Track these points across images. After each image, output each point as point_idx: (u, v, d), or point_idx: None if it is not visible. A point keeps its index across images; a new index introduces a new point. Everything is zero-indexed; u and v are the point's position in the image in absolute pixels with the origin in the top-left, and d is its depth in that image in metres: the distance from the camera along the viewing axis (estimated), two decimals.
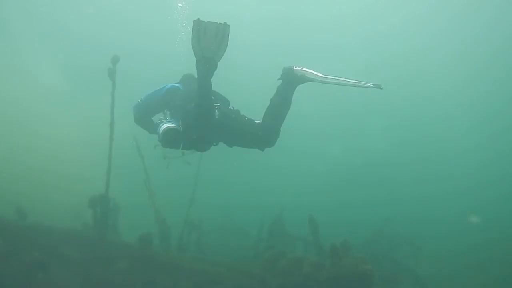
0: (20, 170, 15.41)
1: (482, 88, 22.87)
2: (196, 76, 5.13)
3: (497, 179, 19.66)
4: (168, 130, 4.33)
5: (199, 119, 4.24)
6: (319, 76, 4.35)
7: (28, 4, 21.16)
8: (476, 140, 22.88)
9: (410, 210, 14.75)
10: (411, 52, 22.76)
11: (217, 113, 4.42)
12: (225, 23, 3.91)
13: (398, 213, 12.97)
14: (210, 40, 3.90)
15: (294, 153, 16.74)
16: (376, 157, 20.65)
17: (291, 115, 4.58)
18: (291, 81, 4.42)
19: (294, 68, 4.43)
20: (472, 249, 12.24)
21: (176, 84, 5.02)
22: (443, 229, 13.70)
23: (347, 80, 4.28)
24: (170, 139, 4.36)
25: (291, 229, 11.65)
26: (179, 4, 6.74)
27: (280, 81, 4.53)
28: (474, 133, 23.28)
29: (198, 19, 3.89)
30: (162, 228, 9.39)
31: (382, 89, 4.16)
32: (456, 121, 23.14)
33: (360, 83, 4.26)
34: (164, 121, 4.66)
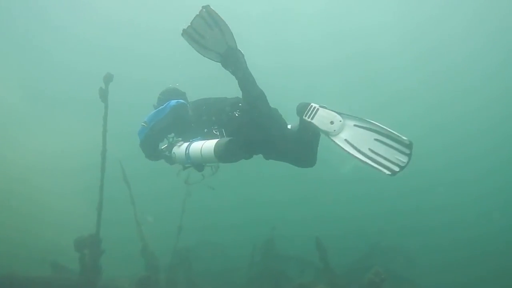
0: None
1: (493, 92, 23.09)
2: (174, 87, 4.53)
3: (497, 189, 19.94)
4: (229, 142, 3.44)
5: (260, 115, 3.53)
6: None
7: None
8: (474, 150, 22.86)
9: (403, 222, 14.67)
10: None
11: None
12: (203, 7, 3.31)
13: (392, 226, 12.80)
14: (210, 35, 3.33)
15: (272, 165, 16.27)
16: (363, 170, 20.30)
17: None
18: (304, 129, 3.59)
19: (303, 116, 3.47)
20: (469, 261, 12.23)
21: (180, 100, 4.33)
22: (437, 240, 13.67)
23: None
24: (234, 153, 3.50)
25: (281, 247, 11.03)
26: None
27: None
28: (470, 144, 23.41)
29: (183, 30, 3.31)
30: (150, 261, 8.47)
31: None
32: (447, 131, 23.45)
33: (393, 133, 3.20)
34: (182, 142, 3.95)
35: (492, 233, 14.32)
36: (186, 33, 3.28)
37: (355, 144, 3.17)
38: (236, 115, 3.76)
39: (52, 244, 10.50)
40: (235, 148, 3.48)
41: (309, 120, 3.36)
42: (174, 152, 4.03)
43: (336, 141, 3.24)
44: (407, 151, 3.07)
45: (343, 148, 3.20)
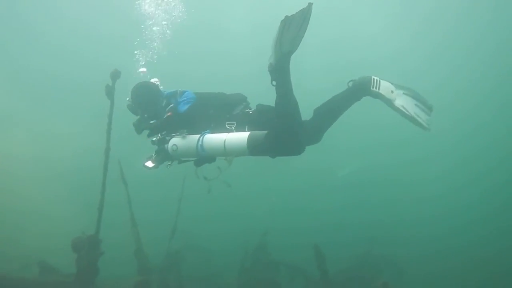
0: None
1: (467, 105, 23.45)
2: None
3: (481, 200, 20.30)
4: (268, 137, 3.60)
5: (293, 123, 3.65)
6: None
7: None
8: (457, 161, 23.23)
9: (394, 231, 14.77)
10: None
11: None
12: (309, 3, 3.31)
13: (383, 235, 12.87)
14: (290, 32, 3.34)
15: (266, 171, 16.21)
16: (355, 177, 20.89)
17: None
18: (361, 94, 3.84)
19: (371, 88, 3.79)
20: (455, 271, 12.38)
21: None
22: (427, 250, 13.82)
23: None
24: (296, 144, 3.66)
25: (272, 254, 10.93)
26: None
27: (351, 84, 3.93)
28: (454, 153, 23.61)
29: (286, 16, 3.30)
30: (143, 263, 8.27)
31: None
32: (435, 143, 23.64)
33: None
34: (186, 134, 3.99)
35: (482, 240, 14.62)
36: (286, 20, 3.29)
37: (408, 109, 3.75)
38: (250, 112, 4.06)
39: (37, 246, 10.10)
40: (280, 142, 3.60)
41: (377, 90, 3.72)
42: (175, 144, 4.01)
43: (397, 106, 3.74)
44: (430, 113, 3.84)
45: (403, 113, 3.75)
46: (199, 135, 3.92)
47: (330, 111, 3.88)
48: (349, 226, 15.14)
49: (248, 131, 3.81)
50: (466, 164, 22.71)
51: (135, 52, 5.40)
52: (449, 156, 23.31)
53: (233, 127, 3.92)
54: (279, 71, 3.47)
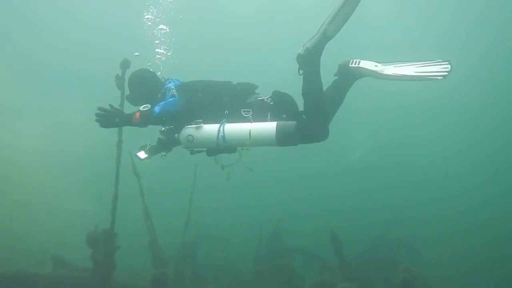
0: None
1: (475, 88, 23.22)
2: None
3: (494, 178, 20.10)
4: (300, 126, 3.58)
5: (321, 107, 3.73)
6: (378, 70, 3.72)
7: None
8: (469, 139, 23.19)
9: (409, 213, 14.68)
10: None
11: None
12: None
13: (398, 217, 12.78)
14: (338, 17, 3.50)
15: (278, 159, 16.06)
16: (367, 160, 20.81)
17: None
18: (347, 77, 3.88)
19: (349, 65, 3.82)
20: (471, 250, 12.28)
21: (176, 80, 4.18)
22: (442, 231, 13.73)
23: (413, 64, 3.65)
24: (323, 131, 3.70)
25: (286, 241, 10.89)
26: None
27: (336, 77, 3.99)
28: (466, 132, 23.54)
29: None
30: (158, 255, 8.22)
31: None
32: (448, 122, 23.38)
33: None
34: (201, 123, 3.77)
35: (498, 219, 14.50)
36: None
37: (405, 72, 3.59)
38: (266, 100, 3.90)
39: (51, 241, 10.13)
40: (311, 131, 3.61)
41: (356, 65, 3.71)
42: (190, 135, 3.80)
43: (387, 73, 3.63)
44: (447, 62, 3.53)
45: (394, 76, 3.60)
46: (218, 125, 3.74)
47: (329, 103, 3.82)
48: (363, 209, 15.06)
49: (270, 120, 3.71)
50: (480, 143, 22.45)
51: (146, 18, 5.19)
52: (463, 134, 23.05)
53: (249, 115, 3.79)
54: (313, 57, 3.50)
